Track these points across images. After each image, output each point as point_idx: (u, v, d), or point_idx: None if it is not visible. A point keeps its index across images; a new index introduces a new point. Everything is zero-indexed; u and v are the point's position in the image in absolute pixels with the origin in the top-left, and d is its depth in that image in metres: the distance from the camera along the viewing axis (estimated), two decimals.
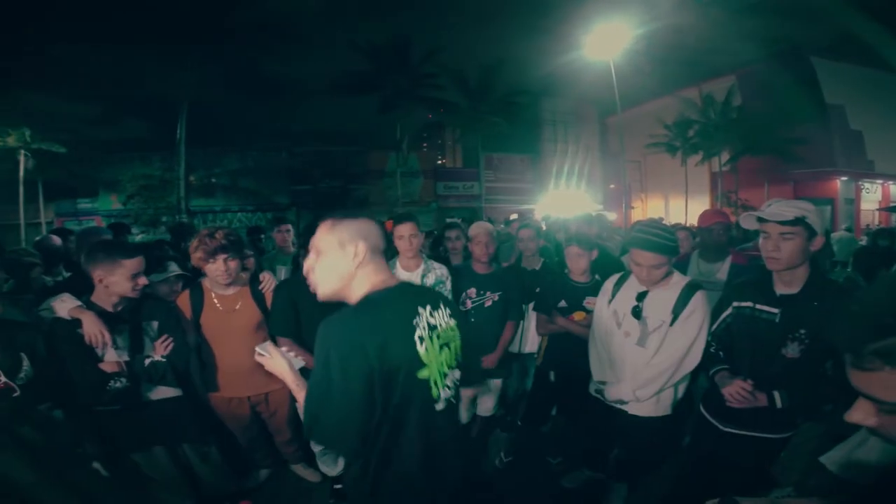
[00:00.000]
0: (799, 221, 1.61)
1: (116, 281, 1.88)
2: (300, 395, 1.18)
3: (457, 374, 1.27)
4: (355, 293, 1.18)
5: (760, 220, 1.70)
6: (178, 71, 17.10)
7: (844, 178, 20.65)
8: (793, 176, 20.30)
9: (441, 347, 1.20)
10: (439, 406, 1.18)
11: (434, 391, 1.16)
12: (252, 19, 16.88)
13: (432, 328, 1.19)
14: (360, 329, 1.06)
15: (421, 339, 1.14)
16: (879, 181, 21.88)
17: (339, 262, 1.17)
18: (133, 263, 1.89)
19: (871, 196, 21.83)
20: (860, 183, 21.27)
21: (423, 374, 1.13)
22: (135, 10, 16.16)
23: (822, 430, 1.86)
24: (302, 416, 1.11)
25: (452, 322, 1.29)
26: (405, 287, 1.26)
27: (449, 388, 1.22)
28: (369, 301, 1.14)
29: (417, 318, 1.16)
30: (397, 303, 1.16)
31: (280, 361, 1.27)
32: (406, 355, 1.11)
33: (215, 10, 16.46)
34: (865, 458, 1.39)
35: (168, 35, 16.27)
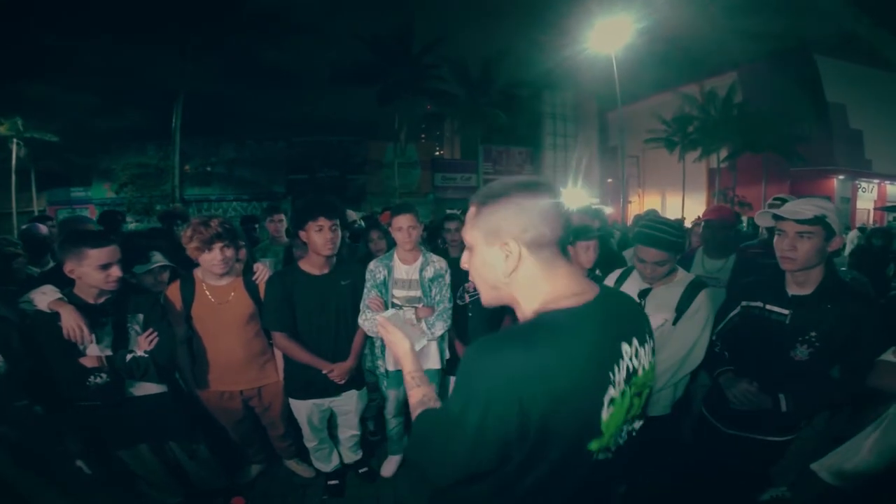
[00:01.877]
0: (818, 221, 1.53)
1: (86, 272, 1.79)
2: (413, 393, 0.97)
3: (638, 424, 0.90)
4: (525, 306, 0.84)
5: (777, 217, 1.62)
6: (175, 60, 16.84)
7: (842, 177, 20.74)
8: (790, 174, 20.36)
9: (632, 399, 0.83)
10: (591, 470, 0.81)
11: (600, 455, 0.80)
12: (251, 8, 16.54)
13: (631, 375, 0.81)
14: (522, 370, 0.70)
15: (612, 401, 0.77)
16: (876, 180, 21.99)
17: (489, 267, 0.85)
18: (100, 253, 1.78)
19: (868, 195, 21.94)
20: (857, 182, 21.36)
21: (594, 445, 0.78)
22: None
23: (821, 431, 1.84)
24: (413, 415, 0.92)
25: (653, 360, 0.89)
26: (604, 306, 0.83)
27: (622, 439, 0.86)
28: (544, 325, 0.77)
29: (617, 364, 0.78)
30: (589, 335, 0.77)
31: (401, 341, 1.05)
32: (582, 422, 0.75)
33: None
34: (855, 466, 1.36)
35: (165, 24, 15.99)
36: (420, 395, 0.96)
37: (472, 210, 0.87)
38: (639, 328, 0.86)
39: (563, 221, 0.82)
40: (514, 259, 0.81)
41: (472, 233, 0.86)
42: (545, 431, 0.72)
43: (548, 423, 0.71)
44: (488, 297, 0.90)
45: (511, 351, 0.72)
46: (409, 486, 2.54)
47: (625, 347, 0.80)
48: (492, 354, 0.73)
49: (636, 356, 0.82)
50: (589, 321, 0.78)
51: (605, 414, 0.76)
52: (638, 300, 2.00)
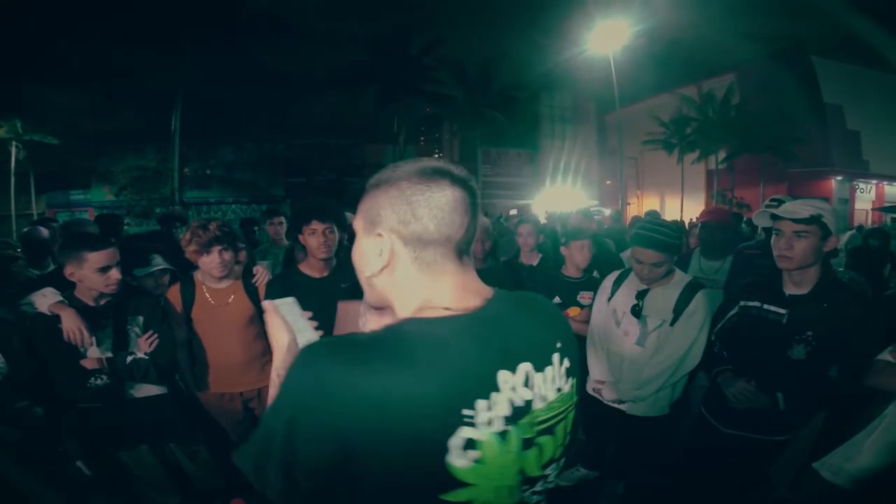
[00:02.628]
0: (814, 220, 1.56)
1: (86, 275, 1.80)
2: (272, 391, 0.78)
3: (558, 466, 0.72)
4: (398, 314, 0.70)
5: (774, 217, 1.65)
6: (174, 63, 16.89)
7: (840, 178, 20.80)
8: (788, 175, 20.41)
9: (528, 443, 0.65)
10: None
11: None
12: (250, 11, 16.61)
13: (520, 412, 0.63)
14: (339, 388, 0.55)
15: (472, 443, 0.58)
16: (874, 181, 22.06)
17: (364, 258, 0.72)
18: (98, 257, 1.78)
19: (865, 196, 22.01)
20: (855, 183, 21.42)
21: (454, 496, 0.58)
22: (131, 1, 15.92)
23: (818, 430, 1.85)
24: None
25: (571, 384, 0.72)
26: (492, 318, 0.66)
27: (535, 495, 0.69)
28: (388, 337, 0.61)
29: (487, 398, 0.60)
30: (447, 356, 0.59)
31: (278, 331, 0.87)
32: (423, 469, 0.57)
33: (212, 2, 16.20)
34: (857, 465, 1.37)
35: (165, 27, 16.04)
36: (273, 393, 0.77)
37: (366, 192, 0.73)
38: (541, 347, 0.68)
39: (466, 220, 0.67)
40: (387, 255, 0.67)
41: (356, 218, 0.73)
42: (374, 473, 0.56)
43: (378, 464, 0.55)
44: (367, 296, 0.76)
45: (330, 361, 0.57)
46: None
47: (503, 377, 0.62)
48: (312, 360, 0.58)
49: (527, 385, 0.64)
50: (453, 339, 0.61)
51: (458, 460, 0.57)
52: (636, 301, 2.01)
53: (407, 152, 22.59)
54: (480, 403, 0.59)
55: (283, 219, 3.77)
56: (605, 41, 15.39)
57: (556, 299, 2.55)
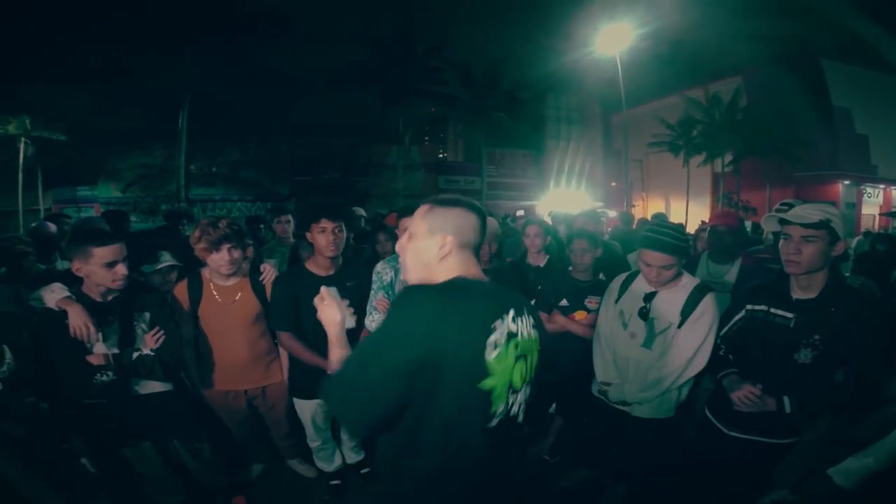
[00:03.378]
0: (823, 225, 1.55)
1: (93, 270, 1.80)
2: (335, 352, 1.16)
3: (527, 391, 1.16)
4: (442, 279, 1.12)
5: (783, 221, 1.65)
6: (181, 62, 16.98)
7: (847, 182, 20.63)
8: (795, 178, 20.27)
9: (517, 359, 1.08)
10: (493, 422, 1.05)
11: (494, 406, 1.04)
12: (256, 10, 16.69)
13: (511, 336, 1.07)
14: (421, 312, 0.97)
15: (495, 344, 1.02)
16: (882, 186, 21.87)
17: (425, 248, 1.13)
18: (105, 252, 1.79)
19: (873, 200, 21.82)
20: (862, 187, 21.24)
21: (485, 384, 1.01)
22: (139, 2, 16.01)
23: (823, 434, 1.83)
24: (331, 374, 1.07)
25: (535, 333, 1.17)
26: (490, 286, 1.15)
27: (515, 404, 1.11)
28: (447, 285, 1.07)
29: (498, 321, 1.04)
30: (478, 298, 1.06)
31: (335, 313, 1.21)
32: (470, 358, 0.99)
33: (219, 1, 16.29)
34: (875, 472, 1.36)
35: (172, 27, 16.13)
36: (341, 354, 1.15)
37: (424, 208, 1.16)
38: (516, 304, 1.12)
39: (480, 233, 1.15)
40: (446, 250, 1.10)
41: (420, 224, 1.14)
42: (438, 360, 0.95)
43: (440, 354, 0.95)
44: (413, 277, 1.16)
45: (417, 297, 1.02)
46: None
47: (503, 313, 1.06)
48: (403, 298, 1.02)
49: (514, 322, 1.08)
50: (480, 289, 1.10)
51: (490, 356, 1.00)
52: (644, 303, 2.00)
53: (412, 153, 22.60)
54: (497, 322, 1.03)
55: (290, 217, 3.78)
56: (611, 42, 15.32)
57: (564, 302, 2.53)
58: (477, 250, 1.16)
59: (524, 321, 1.13)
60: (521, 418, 1.15)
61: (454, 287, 1.06)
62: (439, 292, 1.04)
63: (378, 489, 1.17)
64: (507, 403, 1.07)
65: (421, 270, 1.14)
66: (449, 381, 0.97)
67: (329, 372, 1.11)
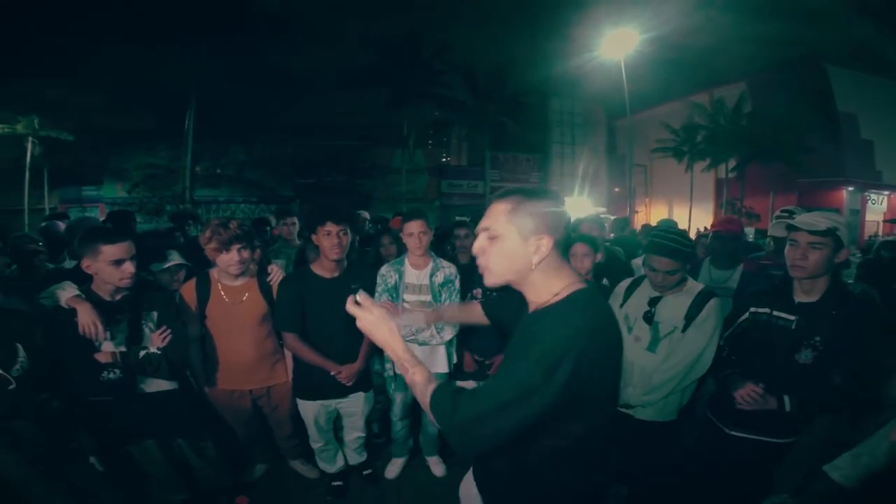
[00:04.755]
0: (829, 233, 1.63)
1: (101, 268, 1.82)
2: (416, 372, 1.02)
3: None
4: (542, 291, 1.03)
5: (790, 227, 1.71)
6: (187, 64, 17.11)
7: (851, 188, 20.52)
8: (799, 185, 20.17)
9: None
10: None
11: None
12: (262, 12, 16.83)
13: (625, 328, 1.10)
14: (574, 331, 0.92)
15: (623, 346, 1.05)
16: (886, 192, 21.74)
17: (518, 254, 1.01)
18: (113, 249, 1.81)
19: (877, 207, 21.69)
20: (866, 193, 21.13)
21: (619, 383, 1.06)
22: (145, 1, 16.16)
23: (822, 436, 1.84)
24: (428, 402, 0.97)
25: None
26: (596, 289, 1.10)
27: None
28: (577, 300, 0.99)
29: (623, 322, 1.07)
30: (601, 305, 1.03)
31: (381, 324, 1.07)
32: (615, 367, 1.01)
33: (225, 2, 16.42)
34: (869, 468, 1.37)
35: (178, 27, 16.26)
36: (426, 373, 1.03)
37: (507, 205, 1.01)
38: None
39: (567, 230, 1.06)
40: (544, 252, 0.98)
41: (507, 226, 1.00)
42: (593, 373, 0.92)
43: (595, 367, 0.92)
44: (501, 280, 1.05)
45: (564, 316, 0.95)
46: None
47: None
48: (550, 322, 0.95)
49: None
50: (595, 297, 1.03)
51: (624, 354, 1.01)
52: (648, 307, 2.03)
53: (416, 156, 22.65)
54: (623, 325, 1.08)
55: (295, 219, 3.81)
56: (615, 47, 15.34)
57: None
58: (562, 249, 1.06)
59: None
60: None
61: (579, 302, 0.99)
62: (570, 310, 0.98)
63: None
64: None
65: (511, 276, 1.04)
66: (597, 399, 0.99)
67: (424, 393, 1.00)
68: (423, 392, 0.99)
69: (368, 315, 1.08)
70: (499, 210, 1.02)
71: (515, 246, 1.00)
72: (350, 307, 1.10)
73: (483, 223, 1.03)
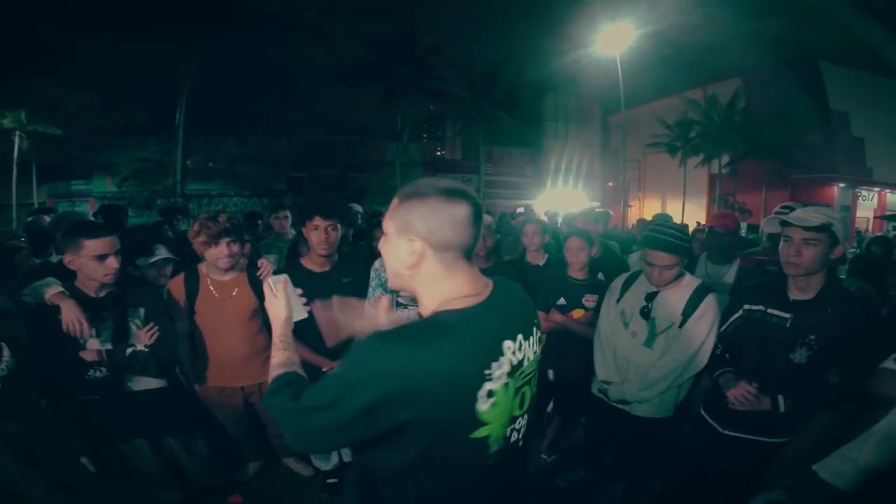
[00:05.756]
0: (824, 228, 1.59)
1: (84, 263, 1.77)
2: (276, 355, 1.02)
3: (528, 414, 0.97)
4: (426, 302, 0.91)
5: (784, 223, 1.67)
6: (179, 57, 16.87)
7: (842, 185, 20.75)
8: (791, 181, 20.36)
9: (517, 391, 0.90)
10: (490, 461, 0.88)
11: (491, 449, 0.87)
12: (254, 6, 16.67)
13: (515, 368, 0.88)
14: (405, 365, 0.77)
15: (491, 393, 0.83)
16: (877, 189, 22.01)
17: (395, 255, 0.91)
18: (96, 244, 1.75)
19: (868, 203, 21.96)
20: (857, 190, 21.38)
21: (479, 433, 0.84)
22: None
23: (817, 435, 1.84)
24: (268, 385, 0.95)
25: (538, 349, 0.97)
26: (492, 306, 0.89)
27: (515, 432, 0.93)
28: (435, 325, 0.84)
29: (497, 360, 0.84)
30: (472, 336, 0.83)
31: (280, 306, 1.11)
32: (459, 415, 0.81)
33: None
34: (858, 467, 1.36)
35: (170, 21, 16.01)
36: (284, 357, 1.02)
37: (394, 202, 0.91)
38: (525, 322, 0.94)
39: (473, 230, 0.88)
40: (417, 255, 0.87)
41: (389, 223, 0.92)
42: (418, 422, 0.79)
43: (421, 415, 0.78)
44: (392, 283, 0.96)
45: (400, 346, 0.79)
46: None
47: (507, 344, 0.87)
48: (384, 345, 0.80)
49: (520, 349, 0.90)
50: (475, 323, 0.85)
51: (483, 406, 0.82)
52: (645, 303, 2.01)
53: (410, 150, 22.56)
54: (494, 364, 0.84)
55: (287, 213, 3.77)
56: (611, 43, 15.35)
57: (561, 300, 2.53)
58: (469, 251, 0.90)
59: (532, 340, 0.94)
60: (522, 442, 0.97)
61: (435, 329, 0.83)
62: (416, 341, 0.81)
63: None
64: (506, 437, 0.90)
65: (395, 281, 0.95)
66: (440, 437, 0.82)
67: (269, 374, 0.99)
68: (270, 372, 1.00)
69: (272, 299, 1.13)
70: (391, 206, 0.93)
71: (393, 246, 0.91)
72: (266, 290, 1.14)
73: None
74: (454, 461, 0.85)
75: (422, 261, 0.88)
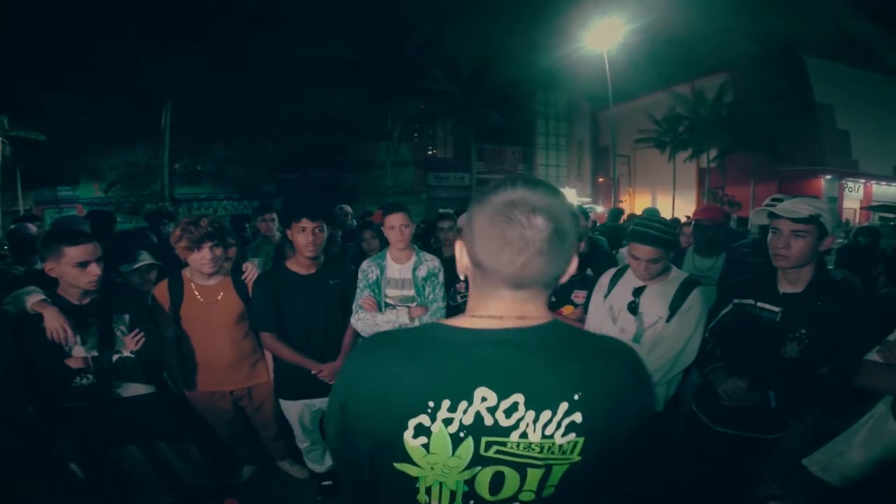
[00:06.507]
0: (812, 220, 1.55)
1: (65, 270, 1.75)
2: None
3: None
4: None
5: (772, 215, 1.64)
6: (165, 58, 16.65)
7: (829, 177, 21.06)
8: (779, 173, 20.61)
9: (487, 464, 0.71)
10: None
11: (421, 497, 0.74)
12: (242, 6, 16.47)
13: (485, 429, 0.69)
14: (350, 375, 0.78)
15: (421, 428, 0.69)
16: (862, 180, 22.37)
17: (458, 258, 0.83)
18: (76, 252, 1.73)
19: (854, 195, 22.32)
20: (844, 182, 21.71)
21: (404, 467, 0.73)
22: None
23: (810, 430, 1.86)
24: None
25: (570, 441, 0.69)
26: (509, 342, 0.71)
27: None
28: (412, 336, 0.79)
29: (456, 401, 0.69)
30: (436, 358, 0.72)
31: None
32: (387, 435, 0.72)
33: None
34: (845, 461, 1.37)
35: (156, 22, 15.79)
36: None
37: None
38: (546, 388, 0.69)
39: (522, 258, 0.69)
40: (465, 262, 0.76)
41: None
42: (354, 432, 0.76)
43: (356, 426, 0.75)
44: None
45: (352, 357, 0.81)
46: None
47: (482, 392, 0.69)
48: (349, 358, 0.82)
49: (509, 413, 0.69)
50: (451, 347, 0.72)
51: (410, 439, 0.70)
52: (633, 297, 2.00)
53: (401, 149, 22.50)
54: (445, 402, 0.69)
55: (274, 215, 3.73)
56: (599, 39, 15.42)
57: (551, 297, 2.53)
58: (519, 284, 0.71)
59: (549, 418, 0.69)
60: None
61: (394, 339, 0.81)
62: (365, 350, 0.82)
63: None
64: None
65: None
66: (380, 460, 0.76)
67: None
68: None
69: None
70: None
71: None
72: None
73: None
74: (387, 488, 0.77)
75: (469, 267, 0.77)
